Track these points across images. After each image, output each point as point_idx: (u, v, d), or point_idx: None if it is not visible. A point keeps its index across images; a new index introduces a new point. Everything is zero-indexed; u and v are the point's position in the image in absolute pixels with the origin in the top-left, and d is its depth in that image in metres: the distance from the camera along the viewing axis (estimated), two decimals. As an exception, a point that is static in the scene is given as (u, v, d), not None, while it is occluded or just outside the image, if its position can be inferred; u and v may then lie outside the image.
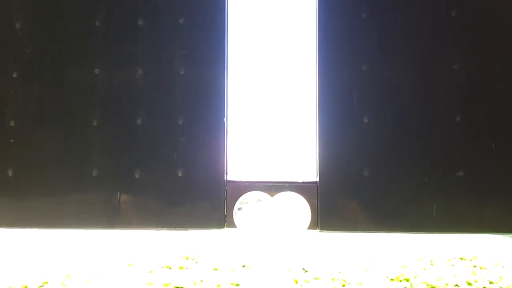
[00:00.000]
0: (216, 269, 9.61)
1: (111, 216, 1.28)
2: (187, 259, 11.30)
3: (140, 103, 1.37)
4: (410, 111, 1.31)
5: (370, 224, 1.26)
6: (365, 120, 1.29)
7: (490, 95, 1.32)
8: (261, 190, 1.34)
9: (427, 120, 1.30)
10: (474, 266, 10.67)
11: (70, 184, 1.31)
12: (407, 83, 1.36)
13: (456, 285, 8.26)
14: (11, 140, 1.37)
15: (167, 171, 1.28)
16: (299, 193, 1.33)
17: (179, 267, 10.18)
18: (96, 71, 1.47)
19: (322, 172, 1.27)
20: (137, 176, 1.29)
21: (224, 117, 1.35)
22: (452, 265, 10.79)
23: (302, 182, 1.34)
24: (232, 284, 8.15)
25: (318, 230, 1.30)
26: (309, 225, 1.32)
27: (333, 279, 8.64)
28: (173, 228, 1.37)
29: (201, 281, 8.47)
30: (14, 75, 1.49)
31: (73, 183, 1.31)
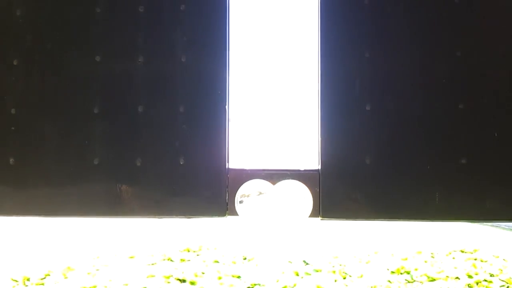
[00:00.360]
0: (217, 261, 9.66)
1: (112, 204, 1.28)
2: (189, 251, 11.35)
3: (141, 91, 1.36)
4: (413, 98, 1.30)
5: (372, 212, 1.25)
6: (368, 108, 1.28)
7: (493, 82, 1.31)
8: (262, 178, 1.33)
9: (429, 108, 1.29)
10: (475, 259, 10.70)
11: (71, 172, 1.31)
12: (410, 71, 1.34)
13: (457, 277, 8.28)
14: (12, 128, 1.36)
15: (169, 159, 1.27)
16: (301, 181, 1.32)
17: (181, 260, 10.23)
18: (97, 58, 1.46)
19: (324, 160, 1.26)
20: (138, 164, 1.29)
21: (225, 104, 1.34)
22: (453, 258, 10.82)
23: (304, 170, 1.33)
24: (233, 276, 8.19)
25: (319, 218, 1.29)
26: (311, 213, 1.31)
27: (334, 272, 8.67)
28: (174, 216, 1.36)
29: (203, 273, 8.51)
30: (15, 63, 1.49)
31: (74, 171, 1.30)
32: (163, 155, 1.32)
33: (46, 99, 1.41)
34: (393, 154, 1.28)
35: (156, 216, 1.36)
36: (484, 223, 19.85)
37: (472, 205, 1.28)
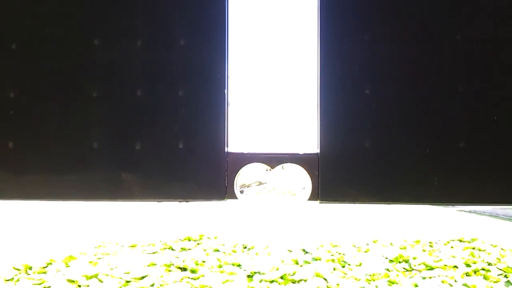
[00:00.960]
0: (217, 250, 9.74)
1: (112, 188, 1.28)
2: (189, 240, 11.44)
3: (140, 74, 1.36)
4: (412, 82, 1.30)
5: (371, 196, 1.26)
6: (367, 92, 1.27)
7: (493, 65, 1.30)
8: (261, 162, 1.33)
9: (429, 91, 1.28)
10: (473, 248, 10.78)
11: (70, 155, 1.31)
12: (410, 54, 1.34)
13: (455, 266, 8.34)
14: (11, 112, 1.36)
15: (168, 143, 1.27)
16: (300, 165, 1.32)
17: (181, 248, 10.32)
18: (96, 42, 1.46)
19: (323, 143, 1.26)
20: (137, 147, 1.29)
21: (225, 88, 1.33)
22: (451, 247, 10.91)
23: (303, 154, 1.33)
24: (234, 264, 8.26)
25: (318, 202, 1.30)
26: (310, 197, 1.32)
27: (333, 260, 8.74)
28: (173, 200, 1.37)
29: (203, 262, 8.58)
30: (13, 46, 1.48)
31: (73, 154, 1.30)
32: (162, 139, 1.32)
33: (45, 82, 1.41)
34: (392, 138, 1.28)
35: (156, 200, 1.37)
36: (483, 214, 19.90)
37: (471, 188, 1.28)
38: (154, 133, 1.39)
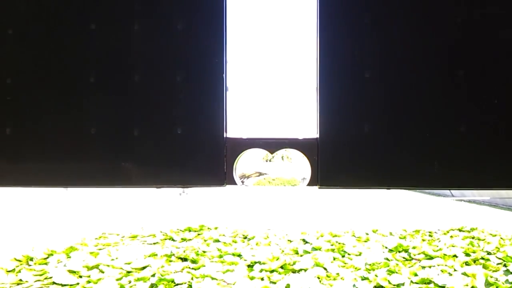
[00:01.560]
0: (218, 240, 9.79)
1: (110, 174, 1.27)
2: (190, 230, 11.49)
3: (138, 59, 1.34)
4: (412, 65, 1.28)
5: (370, 180, 1.25)
6: (367, 75, 1.25)
7: (493, 49, 1.28)
8: (261, 147, 1.32)
9: (429, 75, 1.27)
10: (473, 237, 10.84)
11: (68, 141, 1.29)
12: (409, 37, 1.32)
13: (454, 255, 8.38)
14: (8, 98, 1.35)
15: (166, 129, 1.26)
16: (299, 150, 1.31)
17: (182, 239, 10.37)
18: (93, 26, 1.43)
19: (322, 128, 1.24)
20: (135, 133, 1.27)
21: (223, 73, 1.31)
22: (451, 237, 10.97)
23: (303, 139, 1.31)
24: (234, 254, 8.29)
25: (318, 187, 1.29)
26: (309, 182, 1.31)
27: (333, 250, 8.78)
28: (172, 186, 1.36)
29: (204, 252, 8.61)
30: (10, 32, 1.46)
31: (71, 140, 1.29)
32: (161, 125, 1.30)
33: (42, 68, 1.39)
34: (392, 122, 1.27)
35: (154, 186, 1.36)
36: (482, 204, 19.94)
37: (470, 172, 1.27)
38: (152, 119, 1.37)
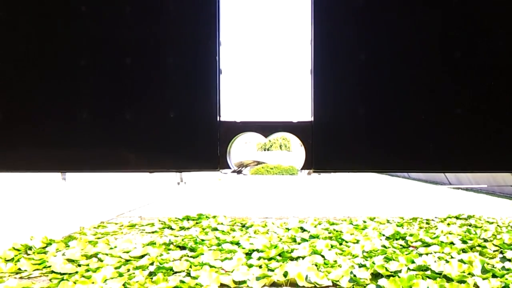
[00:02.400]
0: (216, 229, 9.82)
1: (103, 158, 1.25)
2: (188, 219, 11.53)
3: (129, 42, 1.31)
4: (408, 48, 1.25)
5: (365, 164, 1.23)
6: (362, 58, 1.23)
7: (489, 30, 1.25)
8: (254, 131, 1.30)
9: (425, 57, 1.24)
10: (470, 225, 10.91)
11: (59, 126, 1.27)
12: (406, 18, 1.29)
13: (451, 242, 8.44)
14: None
15: (158, 112, 1.23)
16: (293, 133, 1.29)
17: (180, 227, 10.41)
18: (83, 8, 1.40)
19: (316, 111, 1.22)
20: (127, 117, 1.25)
21: (216, 55, 1.28)
22: (448, 224, 11.04)
23: (297, 122, 1.29)
24: (232, 243, 8.33)
25: (312, 170, 1.27)
26: (303, 166, 1.29)
27: (330, 238, 8.82)
28: (166, 170, 1.33)
29: (202, 240, 8.64)
30: None
31: (62, 125, 1.26)
32: (153, 108, 1.27)
33: (31, 51, 1.36)
34: (387, 105, 1.24)
35: (148, 171, 1.34)
36: (479, 191, 20.01)
37: (466, 156, 1.25)
38: (144, 102, 1.34)
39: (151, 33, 1.44)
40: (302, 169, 1.27)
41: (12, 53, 1.47)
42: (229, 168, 1.27)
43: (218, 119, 1.34)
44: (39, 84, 1.41)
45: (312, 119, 1.36)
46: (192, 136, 1.35)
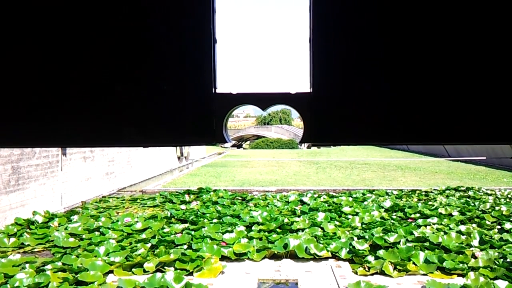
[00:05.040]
0: (216, 202, 9.90)
1: (95, 132, 1.20)
2: (189, 193, 11.62)
3: (117, 9, 1.23)
4: (411, 18, 1.18)
5: (365, 136, 1.19)
6: (363, 27, 1.16)
7: (476, 8, 1.18)
8: (251, 103, 1.24)
9: (428, 27, 1.18)
10: (468, 197, 11.00)
11: (50, 99, 1.22)
12: None
13: (450, 214, 8.51)
14: None
15: (150, 84, 1.18)
16: (291, 105, 1.23)
17: (181, 201, 10.49)
18: None
19: (315, 82, 1.17)
20: (118, 89, 1.19)
21: (211, 23, 1.21)
22: (447, 196, 11.13)
23: (295, 93, 1.24)
24: (232, 216, 8.39)
25: (311, 143, 1.23)
26: (302, 139, 1.24)
27: (329, 210, 8.88)
28: (160, 145, 1.29)
29: (203, 214, 8.71)
30: None
31: (53, 98, 1.21)
32: (144, 80, 1.22)
33: (22, 27, 1.29)
34: (388, 77, 1.19)
35: (142, 145, 1.29)
36: (478, 164, 20.09)
37: (469, 127, 1.21)
38: (134, 74, 1.27)
39: (140, 0, 1.34)
40: (300, 142, 1.21)
41: (1, 26, 1.38)
42: (226, 141, 1.21)
43: (213, 91, 1.27)
44: (28, 57, 1.33)
45: (311, 90, 1.30)
46: (186, 109, 1.28)
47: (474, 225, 7.67)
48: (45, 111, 1.34)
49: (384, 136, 1.26)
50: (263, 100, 1.29)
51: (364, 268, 5.60)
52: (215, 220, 7.91)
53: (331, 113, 1.27)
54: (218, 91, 1.32)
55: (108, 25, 1.35)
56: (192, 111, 1.31)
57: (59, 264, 5.57)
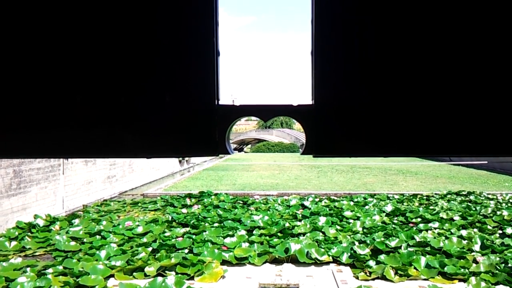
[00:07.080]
0: (218, 206, 9.89)
1: (97, 143, 1.22)
2: (190, 197, 11.62)
3: (121, 21, 1.25)
4: (414, 28, 1.19)
5: (368, 148, 1.20)
6: (366, 38, 1.17)
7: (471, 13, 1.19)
8: (253, 115, 1.26)
9: (430, 38, 1.19)
10: (470, 201, 10.97)
11: (53, 110, 1.23)
12: None
13: (451, 218, 8.49)
14: None
15: (154, 96, 1.19)
16: (293, 117, 1.25)
17: (182, 205, 10.49)
18: None
19: (318, 93, 1.18)
20: (122, 100, 1.21)
21: (214, 36, 1.23)
22: (448, 200, 11.11)
23: (297, 105, 1.25)
24: (233, 220, 8.39)
25: (313, 155, 1.24)
26: (304, 150, 1.26)
27: (330, 214, 8.88)
28: (163, 156, 1.30)
29: (204, 218, 8.71)
30: None
31: (55, 108, 1.22)
32: (148, 92, 1.23)
33: (21, 32, 1.30)
34: (391, 88, 1.20)
35: (145, 156, 1.30)
36: (480, 168, 20.05)
37: (474, 139, 1.22)
38: (139, 85, 1.29)
39: (144, 12, 1.37)
40: (303, 153, 1.24)
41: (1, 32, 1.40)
42: (228, 153, 1.23)
43: (216, 103, 1.29)
44: (29, 65, 1.35)
45: (313, 102, 1.32)
46: (189, 120, 1.30)
47: (475, 230, 7.66)
48: (49, 122, 1.36)
49: (387, 148, 1.27)
50: (265, 112, 1.31)
51: (365, 273, 5.59)
52: (216, 224, 7.92)
53: (333, 125, 1.28)
54: (220, 103, 1.33)
55: (113, 38, 1.37)
56: (195, 123, 1.32)
57: (60, 268, 5.58)
